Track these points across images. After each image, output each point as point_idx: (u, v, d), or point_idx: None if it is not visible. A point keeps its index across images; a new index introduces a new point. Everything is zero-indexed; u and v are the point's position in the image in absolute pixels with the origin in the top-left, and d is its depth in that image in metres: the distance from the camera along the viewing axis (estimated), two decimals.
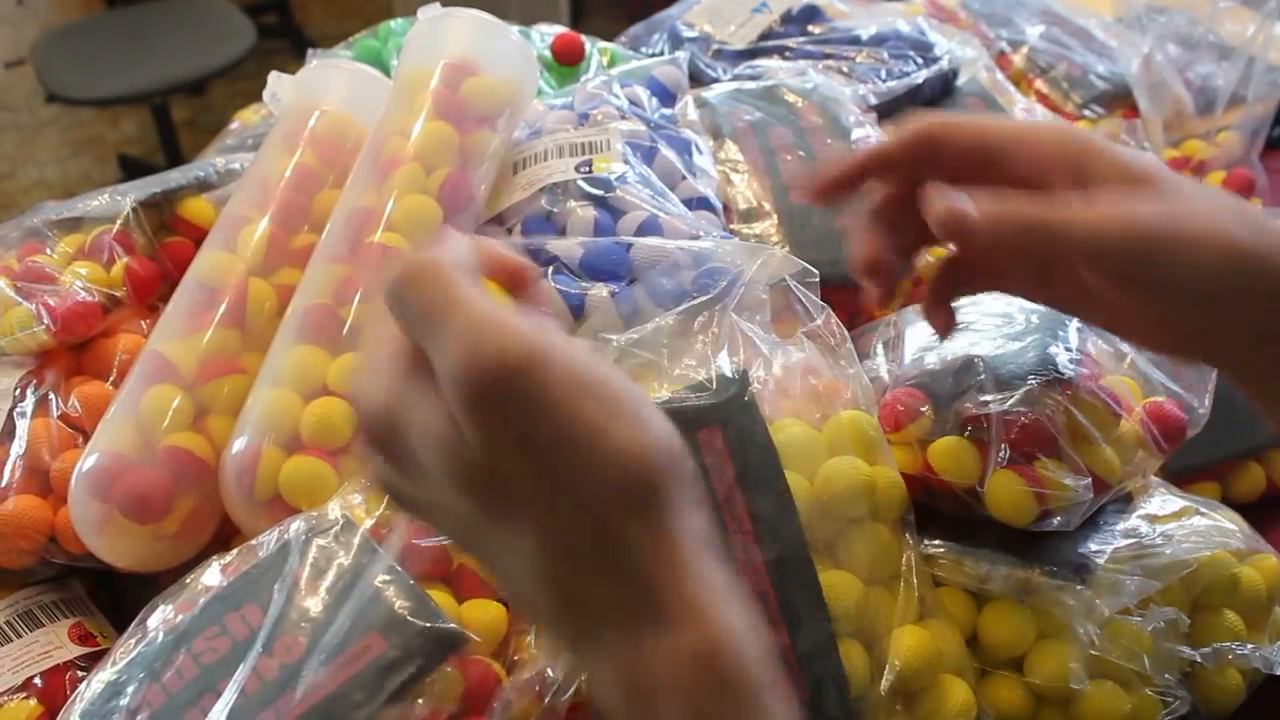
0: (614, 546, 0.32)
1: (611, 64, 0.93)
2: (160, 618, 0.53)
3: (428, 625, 0.49)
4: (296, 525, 0.54)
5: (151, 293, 0.72)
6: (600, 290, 0.62)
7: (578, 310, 0.62)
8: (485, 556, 0.36)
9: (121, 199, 0.73)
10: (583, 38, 0.93)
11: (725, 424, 0.53)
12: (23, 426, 0.64)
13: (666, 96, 0.78)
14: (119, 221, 0.72)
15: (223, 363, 0.64)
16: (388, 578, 0.50)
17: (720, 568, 0.34)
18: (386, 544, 0.52)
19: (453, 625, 0.49)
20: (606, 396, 0.32)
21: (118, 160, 2.92)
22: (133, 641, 0.52)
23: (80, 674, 0.58)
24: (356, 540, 0.52)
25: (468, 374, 0.32)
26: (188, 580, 0.55)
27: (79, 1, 3.56)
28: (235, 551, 0.55)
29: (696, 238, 0.64)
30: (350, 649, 0.48)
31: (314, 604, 0.50)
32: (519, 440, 0.32)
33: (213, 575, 0.54)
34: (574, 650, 0.34)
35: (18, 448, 0.63)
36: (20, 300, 0.67)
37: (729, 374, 0.55)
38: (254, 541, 0.55)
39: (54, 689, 0.58)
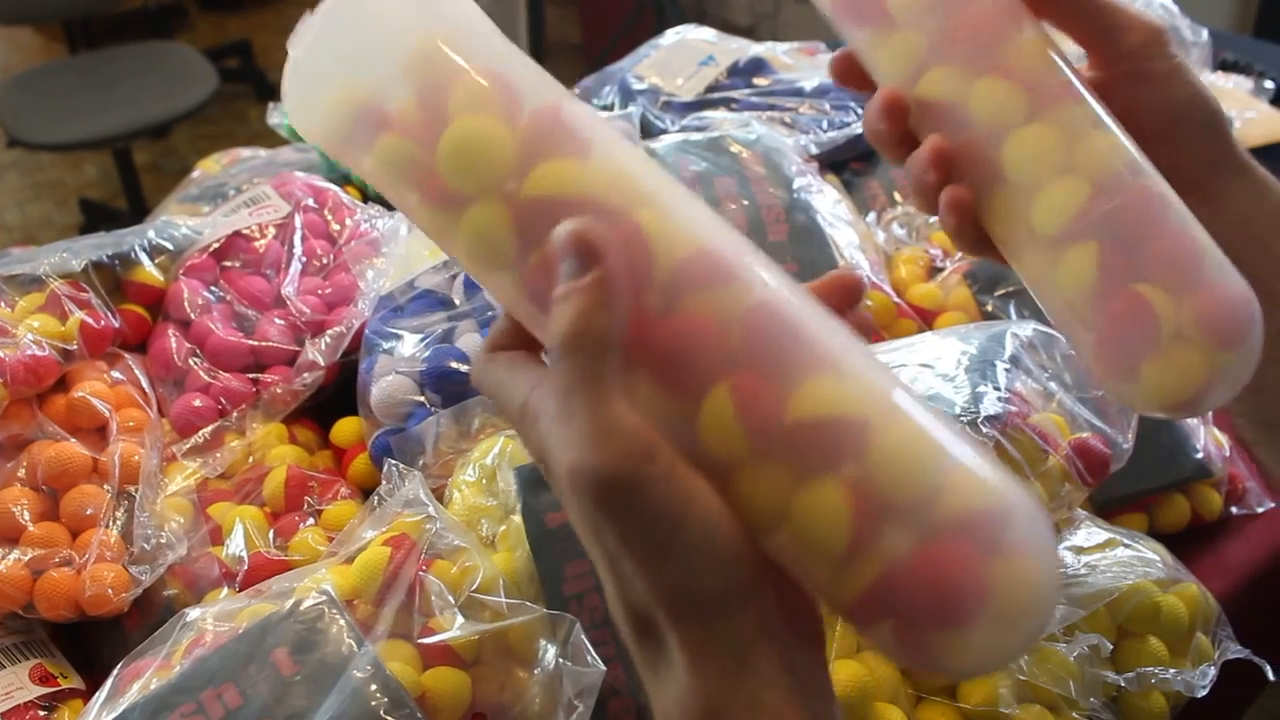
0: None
1: None
2: (136, 681, 0.53)
3: None
4: (277, 602, 0.54)
5: (104, 347, 0.73)
6: None
7: None
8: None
9: (76, 259, 0.75)
10: None
11: None
12: None
13: None
14: (73, 277, 0.74)
15: None
16: (367, 671, 0.50)
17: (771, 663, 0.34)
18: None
19: None
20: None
21: (79, 204, 2.91)
22: (107, 707, 0.53)
23: (41, 713, 0.60)
24: (339, 624, 0.52)
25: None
26: (166, 639, 0.55)
27: (41, 46, 3.57)
28: None
29: None
30: None
31: (291, 692, 0.50)
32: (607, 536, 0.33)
33: (187, 634, 0.55)
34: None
35: None
36: None
37: None
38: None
39: None
